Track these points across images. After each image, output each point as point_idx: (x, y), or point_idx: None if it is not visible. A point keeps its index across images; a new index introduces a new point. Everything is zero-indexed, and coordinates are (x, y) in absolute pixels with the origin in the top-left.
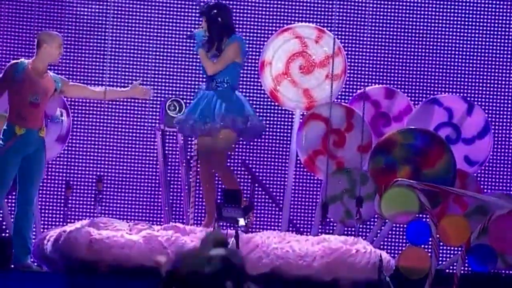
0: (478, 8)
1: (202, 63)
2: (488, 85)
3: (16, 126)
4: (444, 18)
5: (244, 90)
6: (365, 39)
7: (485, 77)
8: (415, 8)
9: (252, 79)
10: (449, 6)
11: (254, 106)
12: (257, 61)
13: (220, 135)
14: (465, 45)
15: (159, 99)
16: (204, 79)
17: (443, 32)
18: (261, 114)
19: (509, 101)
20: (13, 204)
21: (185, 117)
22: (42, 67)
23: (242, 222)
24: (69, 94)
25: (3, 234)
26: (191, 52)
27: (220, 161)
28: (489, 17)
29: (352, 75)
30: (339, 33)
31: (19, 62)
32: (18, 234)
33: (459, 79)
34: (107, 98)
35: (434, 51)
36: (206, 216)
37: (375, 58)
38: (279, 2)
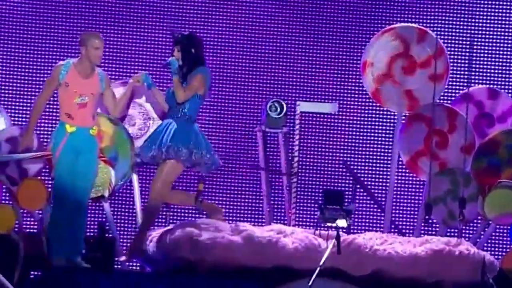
0: None
1: (175, 90)
2: None
3: (67, 125)
4: None
5: (344, 91)
6: (467, 39)
7: None
8: None
9: (354, 80)
10: None
11: (354, 107)
12: (359, 62)
13: (165, 165)
14: None
15: (260, 100)
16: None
17: None
18: (362, 115)
19: None
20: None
21: (145, 145)
22: (86, 67)
23: (343, 223)
24: (103, 100)
25: (107, 235)
26: (289, 52)
27: (161, 189)
28: None
29: (454, 75)
30: (441, 33)
31: (65, 63)
32: (71, 233)
33: None
34: (120, 107)
35: None
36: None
37: (478, 58)
38: (380, 2)
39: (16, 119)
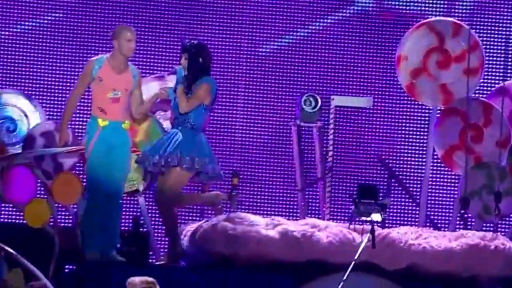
0: None
1: (178, 100)
2: None
3: (99, 119)
4: None
5: (379, 85)
6: (504, 32)
7: None
8: None
9: (388, 74)
10: None
11: (388, 101)
12: (394, 56)
13: (171, 173)
14: None
15: (295, 94)
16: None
17: None
18: (397, 109)
19: None
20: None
21: (148, 153)
22: (119, 62)
23: (378, 217)
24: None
25: (141, 229)
26: (324, 46)
27: (169, 198)
28: None
29: (490, 69)
30: (477, 26)
31: (97, 58)
32: (105, 227)
33: None
34: (142, 110)
35: None
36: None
37: None
38: None
39: (51, 113)
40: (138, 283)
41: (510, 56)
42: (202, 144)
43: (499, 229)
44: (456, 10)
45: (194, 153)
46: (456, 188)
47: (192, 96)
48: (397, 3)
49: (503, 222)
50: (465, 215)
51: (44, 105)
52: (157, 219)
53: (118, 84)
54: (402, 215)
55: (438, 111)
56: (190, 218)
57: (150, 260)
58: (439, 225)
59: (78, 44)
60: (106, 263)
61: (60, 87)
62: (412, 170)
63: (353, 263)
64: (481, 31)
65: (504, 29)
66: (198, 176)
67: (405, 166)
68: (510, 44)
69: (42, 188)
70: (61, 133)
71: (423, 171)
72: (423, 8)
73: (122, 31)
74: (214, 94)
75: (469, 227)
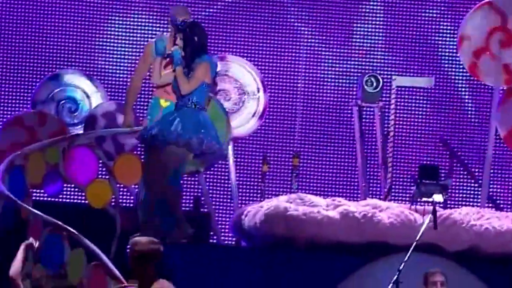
0: None
1: (178, 82)
2: None
3: (162, 100)
4: None
5: (440, 65)
6: None
7: None
8: None
9: (450, 54)
10: None
11: (450, 81)
12: (456, 36)
13: (171, 152)
14: None
15: (356, 74)
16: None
17: None
18: (459, 89)
19: None
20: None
21: (149, 128)
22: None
23: (439, 198)
24: None
25: (202, 210)
26: (385, 26)
27: (165, 178)
28: None
29: None
30: None
31: (159, 39)
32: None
33: None
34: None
35: None
36: None
37: None
38: None
39: (113, 94)
40: (145, 242)
41: None
42: (207, 123)
43: None
44: None
45: (201, 134)
46: None
47: (193, 77)
48: None
49: None
50: None
51: (105, 85)
52: (218, 199)
53: None
54: (463, 195)
55: (501, 91)
56: (251, 198)
57: (211, 241)
58: (501, 205)
59: (139, 24)
60: (167, 244)
61: (122, 68)
62: (474, 151)
63: (414, 244)
64: None
65: None
66: (203, 156)
67: (467, 146)
68: None
69: (104, 169)
70: (126, 116)
71: (485, 151)
72: None
73: (172, 14)
74: (214, 71)
75: None
